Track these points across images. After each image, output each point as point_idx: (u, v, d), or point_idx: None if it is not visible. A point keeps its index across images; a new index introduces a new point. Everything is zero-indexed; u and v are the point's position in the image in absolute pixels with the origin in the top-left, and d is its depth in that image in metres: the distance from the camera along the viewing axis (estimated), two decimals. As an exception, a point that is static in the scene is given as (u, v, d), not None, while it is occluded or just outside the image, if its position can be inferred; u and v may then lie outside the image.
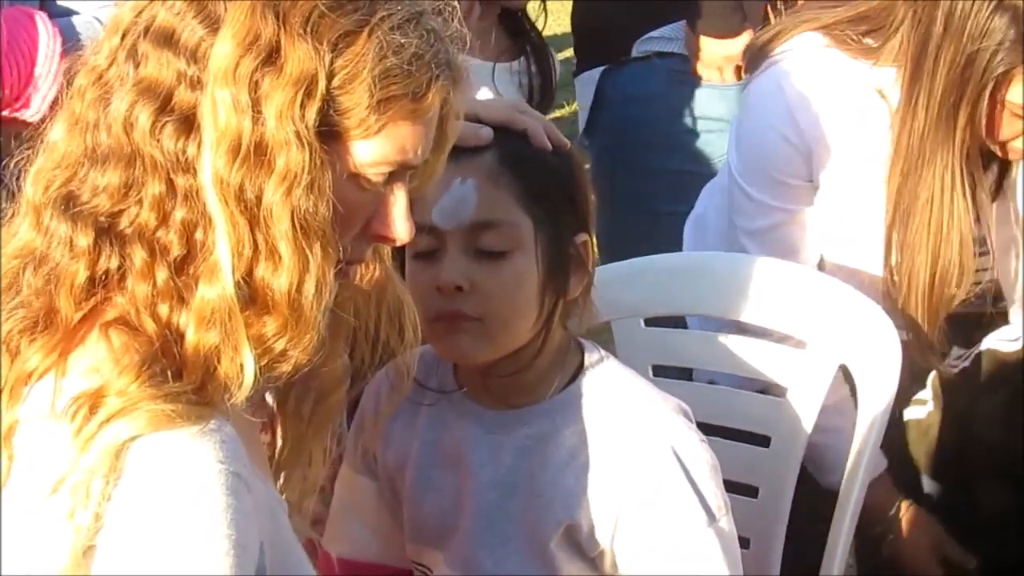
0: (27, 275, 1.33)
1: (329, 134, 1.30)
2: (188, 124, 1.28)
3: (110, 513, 1.23)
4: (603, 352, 1.80)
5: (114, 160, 1.30)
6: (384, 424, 1.83)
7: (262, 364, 1.30)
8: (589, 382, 1.75)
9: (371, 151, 1.33)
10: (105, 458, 1.23)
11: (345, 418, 1.82)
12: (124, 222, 1.30)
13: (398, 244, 1.42)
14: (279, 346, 1.31)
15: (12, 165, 1.38)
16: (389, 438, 1.83)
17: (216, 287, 1.27)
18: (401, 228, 1.39)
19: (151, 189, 1.29)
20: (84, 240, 1.30)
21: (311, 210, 1.27)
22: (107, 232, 1.31)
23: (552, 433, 1.73)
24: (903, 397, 2.17)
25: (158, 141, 1.28)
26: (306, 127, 1.27)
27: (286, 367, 1.33)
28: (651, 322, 2.17)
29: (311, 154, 1.27)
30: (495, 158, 1.70)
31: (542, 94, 2.92)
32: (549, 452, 1.73)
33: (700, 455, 1.70)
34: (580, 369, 1.76)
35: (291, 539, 1.40)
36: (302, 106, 1.27)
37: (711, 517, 1.68)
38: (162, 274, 1.29)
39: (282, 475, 1.51)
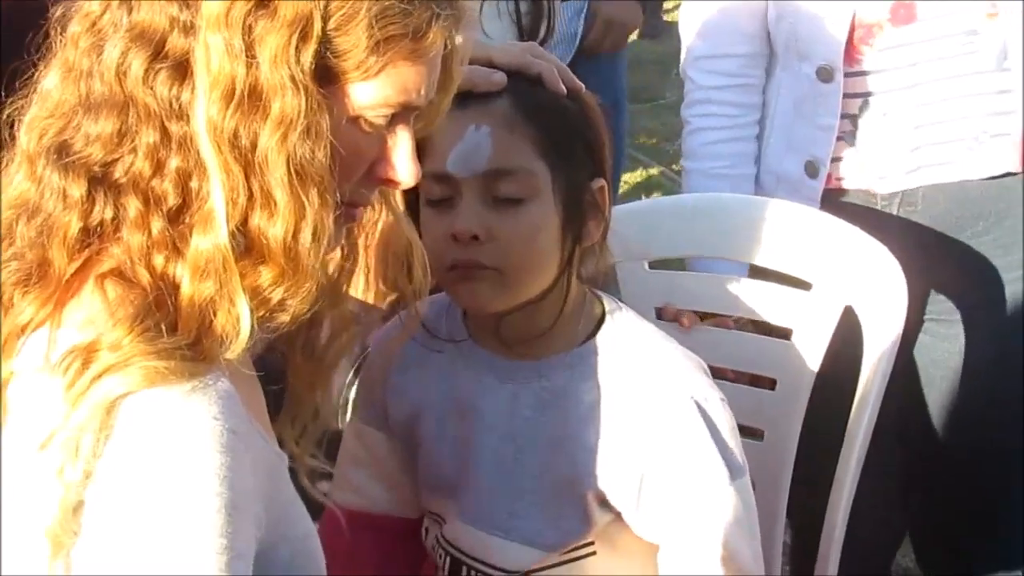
0: (20, 226, 1.31)
1: (327, 77, 1.27)
2: (182, 70, 1.25)
3: (100, 470, 1.21)
4: (621, 305, 1.78)
5: (107, 108, 1.28)
6: (392, 370, 1.81)
7: (259, 315, 1.28)
8: (609, 336, 1.73)
9: (371, 93, 1.30)
10: (96, 414, 1.21)
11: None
12: (118, 171, 1.28)
13: (403, 187, 1.39)
14: (276, 296, 1.28)
15: (6, 114, 1.37)
16: (401, 389, 1.81)
17: (211, 236, 1.25)
18: (406, 171, 1.36)
19: (145, 137, 1.26)
20: (77, 190, 1.28)
21: (308, 156, 1.25)
22: (101, 182, 1.29)
23: (571, 387, 1.71)
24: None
25: (151, 88, 1.26)
26: (302, 71, 1.24)
27: (284, 317, 1.30)
28: (655, 264, 2.16)
29: (307, 98, 1.24)
30: (509, 104, 1.66)
31: (533, 34, 2.59)
32: (569, 406, 1.71)
33: (722, 413, 1.69)
34: (600, 322, 1.74)
35: (290, 495, 1.39)
36: (297, 49, 1.24)
37: (733, 474, 1.67)
38: (157, 224, 1.27)
39: (290, 424, 1.49)
